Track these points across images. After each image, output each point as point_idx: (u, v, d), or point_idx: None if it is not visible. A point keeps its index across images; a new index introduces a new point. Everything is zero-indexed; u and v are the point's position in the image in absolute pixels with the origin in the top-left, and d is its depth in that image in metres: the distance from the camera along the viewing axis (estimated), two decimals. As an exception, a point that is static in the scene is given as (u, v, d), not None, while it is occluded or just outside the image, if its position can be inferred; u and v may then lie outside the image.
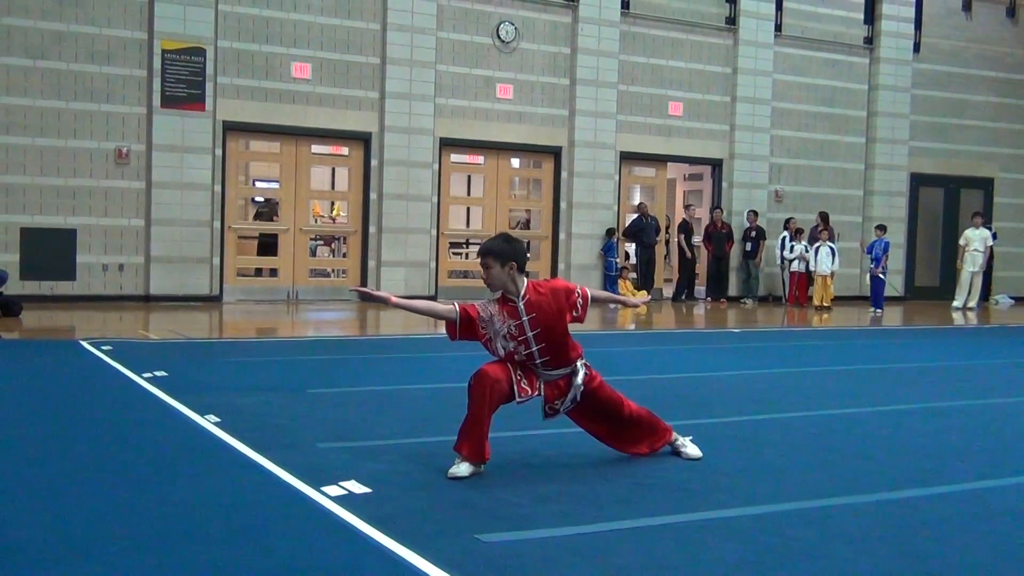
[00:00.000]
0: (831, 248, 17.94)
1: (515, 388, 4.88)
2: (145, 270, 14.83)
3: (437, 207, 16.78)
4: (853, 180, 20.37)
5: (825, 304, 17.83)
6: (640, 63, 18.21)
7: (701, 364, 9.86)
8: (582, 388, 5.00)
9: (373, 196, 16.26)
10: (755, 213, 18.86)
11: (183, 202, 14.85)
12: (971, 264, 18.79)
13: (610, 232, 17.84)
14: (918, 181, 21.09)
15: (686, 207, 19.60)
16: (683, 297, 18.76)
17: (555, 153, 17.64)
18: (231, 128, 15.34)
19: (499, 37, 16.99)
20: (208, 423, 5.91)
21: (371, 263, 16.33)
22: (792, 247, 18.53)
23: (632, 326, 14.30)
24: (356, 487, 4.46)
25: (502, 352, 4.93)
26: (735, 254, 19.02)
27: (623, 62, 17.92)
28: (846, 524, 4.14)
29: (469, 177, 19.64)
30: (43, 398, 6.86)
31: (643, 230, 18.14)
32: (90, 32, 14.38)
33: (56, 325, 12.17)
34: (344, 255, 17.19)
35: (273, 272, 16.60)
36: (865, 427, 6.40)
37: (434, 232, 16.76)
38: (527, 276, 5.05)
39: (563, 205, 17.77)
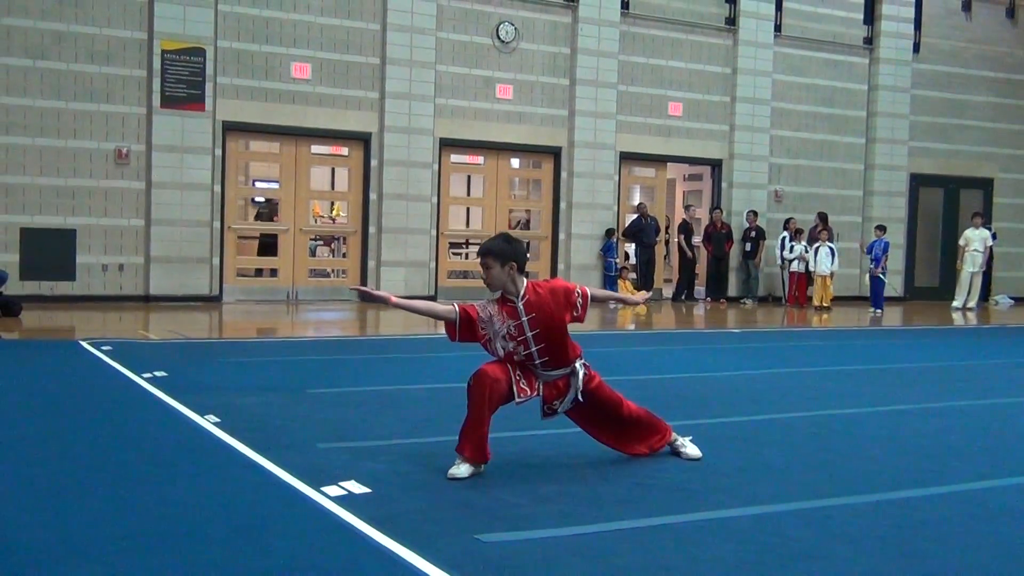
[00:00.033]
0: (831, 248, 17.95)
1: (514, 388, 4.88)
2: (145, 270, 14.83)
3: (437, 207, 16.78)
4: (853, 180, 20.37)
5: (825, 304, 17.84)
6: (640, 63, 18.21)
7: (701, 364, 9.86)
8: (582, 389, 5.00)
9: (373, 196, 16.26)
10: (755, 213, 18.86)
11: (183, 202, 14.85)
12: (971, 264, 18.79)
13: (609, 232, 17.84)
14: (918, 181, 21.09)
15: (686, 207, 19.61)
16: (683, 297, 18.77)
17: (555, 153, 17.64)
18: (231, 128, 15.34)
19: (499, 37, 16.99)
20: (208, 423, 5.91)
21: (371, 263, 16.33)
22: (792, 247, 18.53)
23: (632, 326, 14.30)
24: (356, 487, 4.46)
25: (501, 352, 4.93)
26: (735, 254, 19.02)
27: (623, 62, 17.93)
28: (846, 524, 4.14)
29: (469, 177, 19.64)
30: (43, 398, 6.86)
31: (643, 230, 18.14)
32: (90, 32, 14.38)
33: (56, 325, 12.17)
34: (344, 255, 17.19)
35: (273, 272, 16.60)
36: (865, 427, 6.41)
37: (434, 232, 16.76)
38: (527, 276, 5.05)
39: (563, 205, 17.77)
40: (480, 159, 17.95)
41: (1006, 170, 21.96)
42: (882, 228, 18.09)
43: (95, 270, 14.58)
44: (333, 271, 17.61)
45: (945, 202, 21.65)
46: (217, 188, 15.22)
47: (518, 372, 4.93)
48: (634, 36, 18.13)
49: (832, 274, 18.00)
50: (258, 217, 18.57)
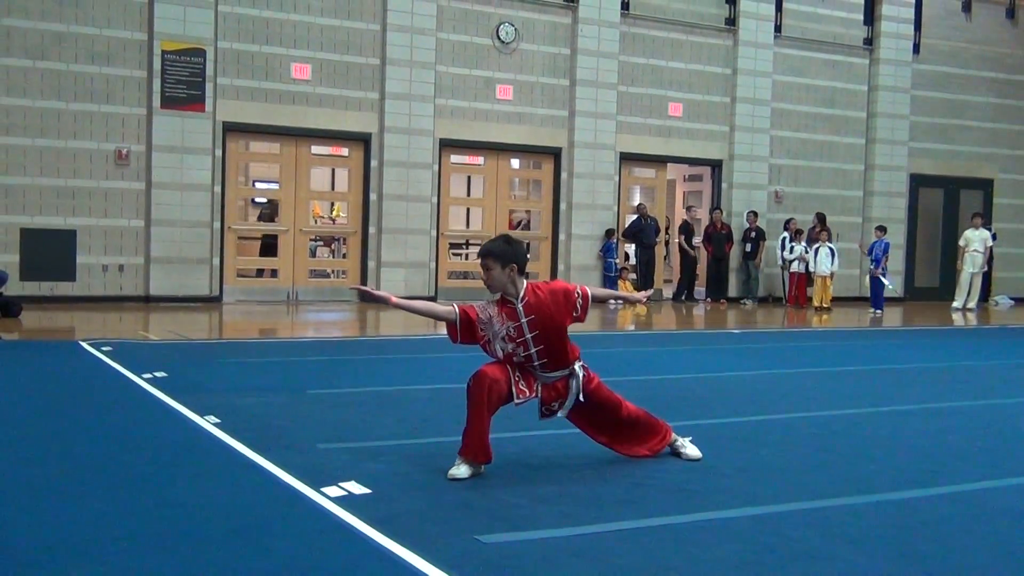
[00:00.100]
0: (830, 249, 17.95)
1: (514, 390, 4.88)
2: (145, 271, 14.83)
3: (437, 208, 16.78)
4: (853, 181, 20.37)
5: (825, 305, 17.83)
6: (640, 64, 18.21)
7: (701, 365, 9.86)
8: (581, 390, 5.00)
9: (373, 197, 16.26)
10: (755, 214, 18.86)
11: (183, 203, 14.85)
12: (971, 265, 18.79)
13: (609, 233, 17.84)
14: (918, 182, 21.09)
15: (687, 208, 19.61)
16: (683, 298, 18.77)
17: (555, 154, 17.64)
18: (231, 129, 15.34)
19: (499, 38, 16.99)
20: (208, 424, 5.91)
21: (371, 264, 16.33)
22: (792, 248, 18.53)
23: (632, 327, 14.30)
24: (356, 488, 4.46)
25: (500, 353, 4.93)
26: (735, 255, 19.02)
27: (623, 63, 17.93)
28: (846, 524, 4.14)
29: (469, 178, 19.64)
30: (43, 398, 6.86)
31: (643, 231, 18.15)
32: (90, 33, 14.38)
33: (56, 326, 12.17)
34: (344, 256, 17.19)
35: (273, 273, 16.59)
36: (865, 427, 6.41)
37: (434, 233, 16.76)
38: (527, 278, 5.05)
39: (563, 206, 17.77)
40: (480, 160, 17.95)
41: (1006, 170, 21.96)
42: (882, 229, 18.08)
43: (95, 271, 14.58)
44: (333, 272, 17.61)
45: (945, 203, 21.65)
46: (217, 189, 15.22)
47: (517, 373, 4.93)
48: (634, 37, 18.13)
49: (832, 275, 18.00)
50: (260, 218, 18.57)
